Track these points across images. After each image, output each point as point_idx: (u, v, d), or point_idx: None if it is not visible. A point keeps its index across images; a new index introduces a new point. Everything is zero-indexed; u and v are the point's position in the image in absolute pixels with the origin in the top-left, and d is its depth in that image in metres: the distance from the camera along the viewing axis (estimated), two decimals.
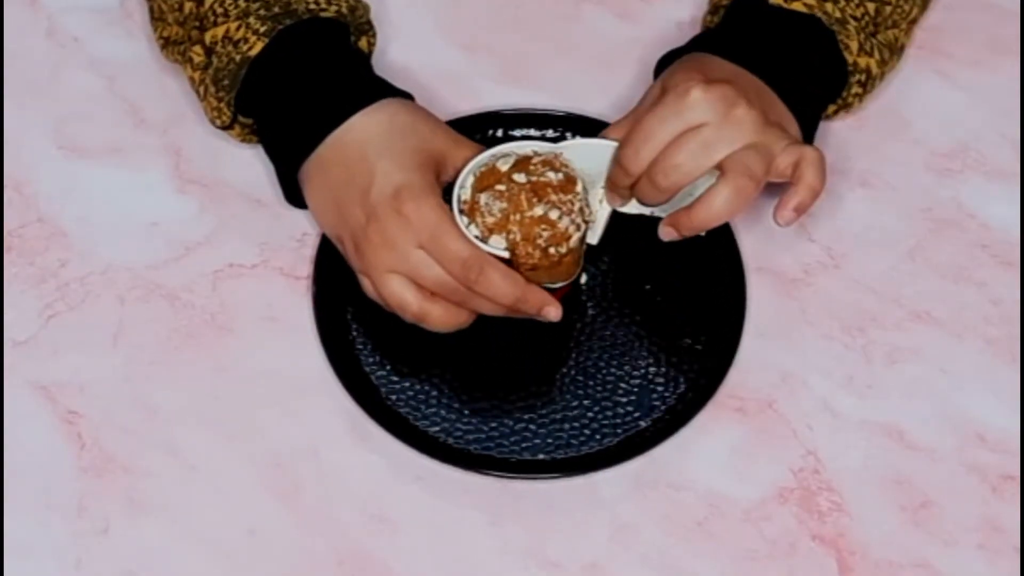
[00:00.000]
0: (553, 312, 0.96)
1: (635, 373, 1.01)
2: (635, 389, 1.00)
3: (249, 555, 0.95)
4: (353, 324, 1.02)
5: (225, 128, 1.04)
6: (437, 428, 0.99)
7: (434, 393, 1.00)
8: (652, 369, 1.01)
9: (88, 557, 0.95)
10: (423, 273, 0.94)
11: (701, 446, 0.99)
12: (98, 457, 0.98)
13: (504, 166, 0.95)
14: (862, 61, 1.02)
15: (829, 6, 1.01)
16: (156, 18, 1.07)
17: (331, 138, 0.97)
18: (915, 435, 1.00)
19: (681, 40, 1.06)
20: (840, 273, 1.05)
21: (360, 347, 1.02)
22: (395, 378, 1.01)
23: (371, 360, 1.01)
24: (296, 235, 1.06)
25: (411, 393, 1.00)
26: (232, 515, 0.97)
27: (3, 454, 0.98)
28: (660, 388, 1.00)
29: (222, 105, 1.02)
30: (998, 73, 1.13)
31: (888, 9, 1.04)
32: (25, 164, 1.08)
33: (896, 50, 1.06)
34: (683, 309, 1.03)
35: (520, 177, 0.94)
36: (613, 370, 1.01)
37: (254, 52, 0.99)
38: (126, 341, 1.02)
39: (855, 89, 1.04)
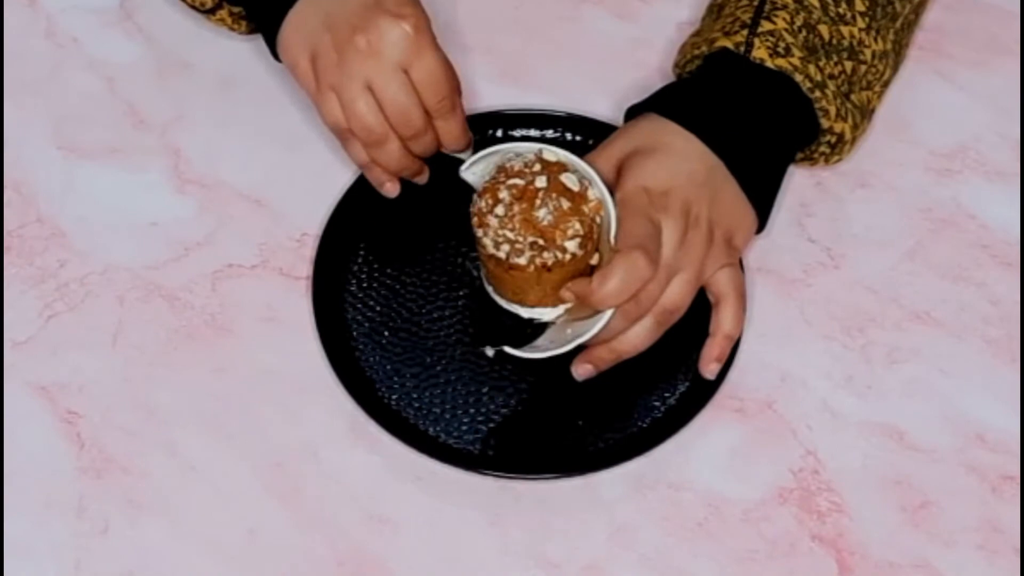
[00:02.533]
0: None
1: (635, 373, 1.01)
2: (635, 389, 1.00)
3: (249, 555, 0.95)
4: (353, 324, 1.02)
5: (215, 10, 1.05)
6: (437, 428, 0.99)
7: (434, 393, 1.00)
8: (652, 369, 1.01)
9: (88, 557, 0.95)
10: (392, 93, 0.96)
11: (701, 446, 0.99)
12: (97, 457, 0.98)
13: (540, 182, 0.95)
14: (837, 127, 1.02)
15: (812, 68, 0.99)
16: None
17: None
18: (915, 435, 1.00)
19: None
20: (840, 273, 1.05)
21: (360, 347, 1.02)
22: (395, 378, 1.01)
23: (371, 360, 1.01)
24: (296, 235, 1.06)
25: (411, 393, 1.00)
26: (232, 515, 0.97)
27: (3, 454, 0.98)
28: (660, 388, 1.00)
29: None
30: (998, 73, 1.13)
31: (863, 68, 1.03)
32: (25, 164, 1.08)
33: (867, 113, 1.04)
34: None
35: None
36: (613, 370, 1.01)
37: None
38: (125, 341, 1.02)
39: (823, 148, 1.03)
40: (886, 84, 1.06)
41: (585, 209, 0.95)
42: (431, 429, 0.99)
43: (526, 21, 1.15)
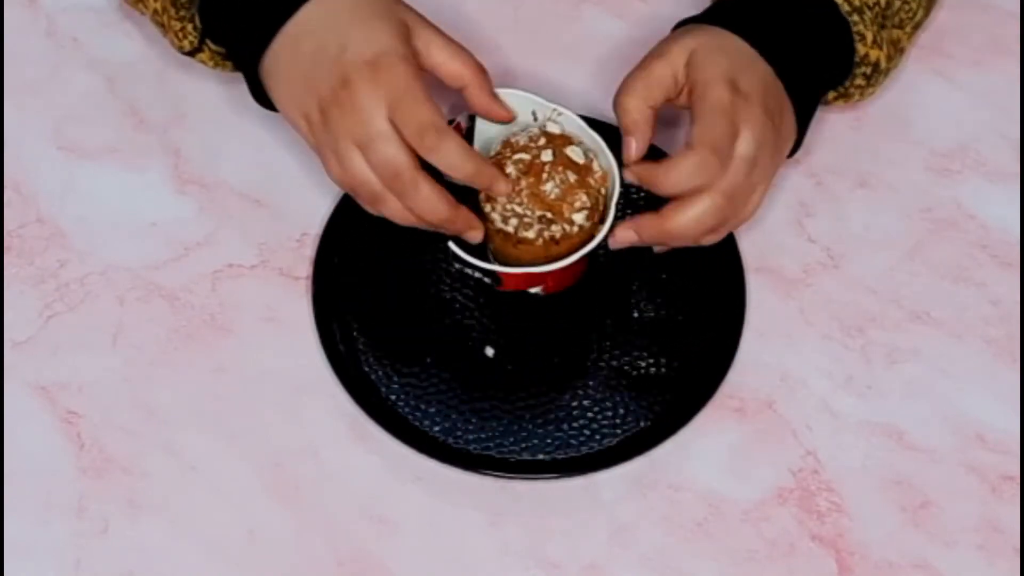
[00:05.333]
0: (503, 185, 0.94)
1: (634, 374, 1.01)
2: (635, 389, 1.00)
3: (249, 555, 0.95)
4: (353, 324, 1.02)
5: (194, 53, 1.03)
6: (437, 428, 0.99)
7: (434, 393, 1.00)
8: (652, 369, 1.01)
9: (88, 557, 0.95)
10: (379, 148, 0.92)
11: (701, 446, 0.99)
12: (97, 457, 0.98)
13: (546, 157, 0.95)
14: (873, 54, 1.01)
15: None
16: None
17: (299, 15, 0.96)
18: (915, 435, 1.00)
19: None
20: (840, 273, 1.05)
21: (360, 347, 1.02)
22: (395, 378, 1.01)
23: (371, 360, 1.01)
24: (295, 235, 1.06)
25: (411, 393, 1.00)
26: (232, 515, 0.97)
27: (3, 454, 0.98)
28: (660, 388, 1.00)
29: (186, 25, 1.01)
30: (998, 73, 1.13)
31: (897, 4, 1.03)
32: (25, 164, 1.08)
33: (899, 50, 1.05)
34: (683, 309, 1.03)
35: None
36: (613, 370, 1.01)
37: None
38: (125, 341, 1.02)
39: (859, 80, 1.02)
40: (917, 25, 1.06)
41: (591, 181, 0.95)
42: (431, 429, 0.99)
43: (526, 21, 1.15)
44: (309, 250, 1.05)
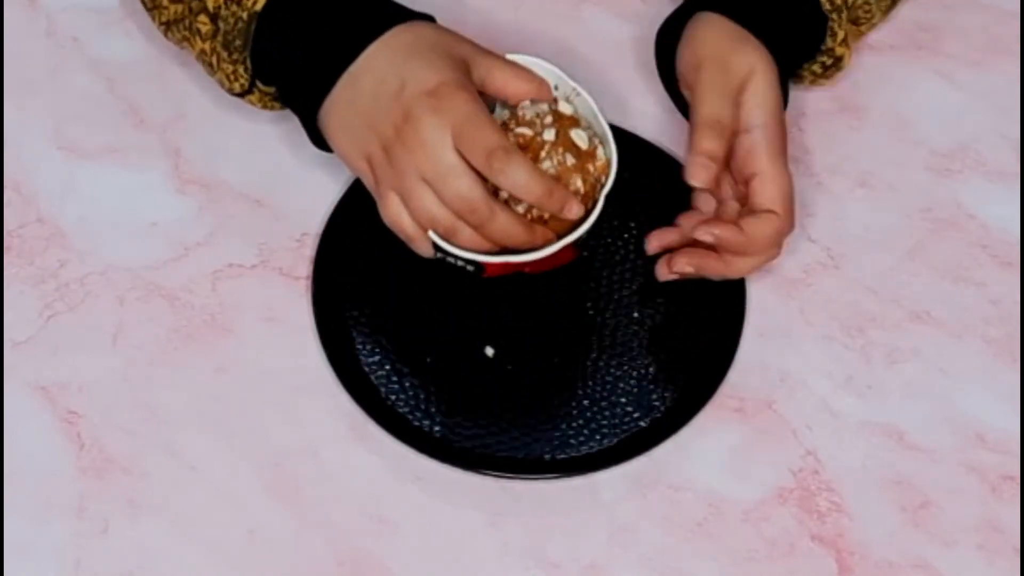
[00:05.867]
0: (576, 208, 0.93)
1: (635, 373, 1.01)
2: (635, 389, 1.00)
3: (249, 555, 0.95)
4: (353, 324, 1.02)
5: (244, 94, 1.02)
6: (437, 428, 0.99)
7: (434, 393, 1.00)
8: (652, 369, 1.01)
9: (88, 557, 0.95)
10: (450, 182, 0.91)
11: (701, 446, 0.99)
12: (98, 458, 0.98)
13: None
14: (839, 50, 1.04)
15: None
16: (150, 7, 1.05)
17: (361, 59, 0.95)
18: (915, 435, 1.00)
19: None
20: (840, 273, 1.05)
21: (360, 347, 1.02)
22: (395, 378, 1.01)
23: (371, 360, 1.01)
24: (296, 235, 1.06)
25: (411, 393, 1.00)
26: (232, 515, 0.97)
27: (3, 454, 0.98)
28: (660, 388, 1.00)
29: (238, 67, 1.00)
30: (998, 73, 1.13)
31: (860, 1, 1.05)
32: (25, 164, 1.08)
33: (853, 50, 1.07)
34: (683, 309, 1.03)
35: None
36: (613, 370, 1.01)
37: (259, 6, 0.97)
38: (126, 341, 1.02)
39: (815, 67, 1.05)
40: (872, 27, 1.09)
41: (591, 167, 0.94)
42: (431, 429, 0.99)
43: (526, 21, 1.15)
44: (309, 250, 1.05)
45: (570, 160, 0.94)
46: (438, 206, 0.93)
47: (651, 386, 1.01)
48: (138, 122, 1.10)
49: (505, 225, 0.93)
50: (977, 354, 1.03)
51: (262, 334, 1.03)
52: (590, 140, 0.95)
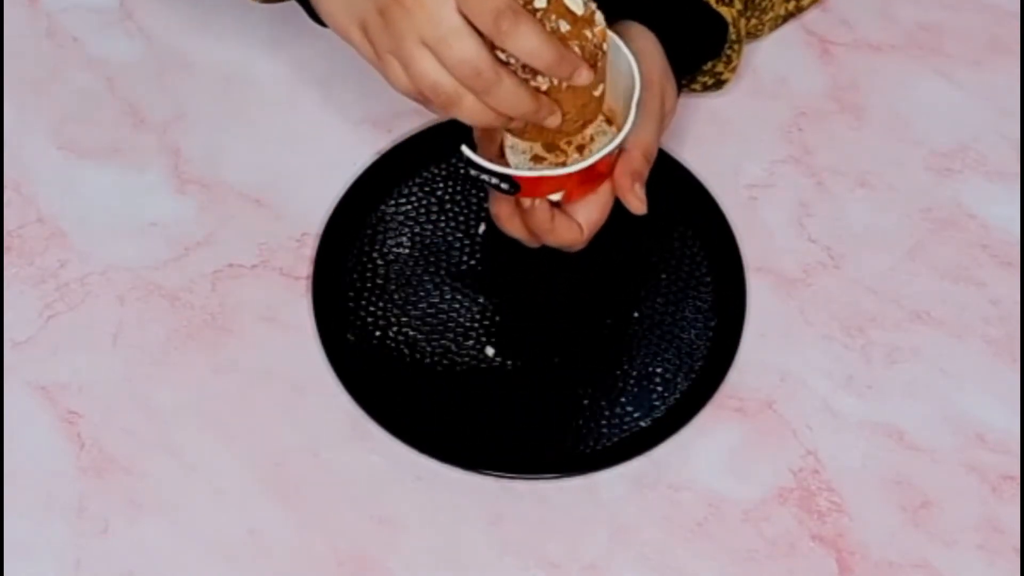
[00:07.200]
0: (586, 73, 0.87)
1: (635, 373, 1.01)
2: (635, 389, 1.00)
3: (249, 555, 0.95)
4: (353, 324, 1.02)
5: None
6: (437, 428, 0.99)
7: (434, 393, 1.00)
8: (652, 369, 1.01)
9: (88, 557, 0.95)
10: (453, 45, 0.84)
11: (701, 446, 0.99)
12: (98, 457, 0.98)
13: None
14: (726, 75, 1.06)
15: (742, 22, 1.04)
16: None
17: None
18: (915, 435, 1.00)
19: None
20: (840, 273, 1.05)
21: (360, 347, 1.02)
22: (395, 378, 1.01)
23: (371, 360, 1.01)
24: (296, 235, 1.06)
25: (411, 393, 1.00)
26: (232, 515, 0.97)
27: (3, 454, 0.98)
28: (660, 388, 1.00)
29: None
30: (998, 73, 1.13)
31: (753, 23, 1.08)
32: (25, 164, 1.08)
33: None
34: (683, 309, 1.03)
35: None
36: (613, 370, 1.01)
37: None
38: (126, 341, 1.02)
39: (695, 86, 1.07)
40: (756, 39, 1.12)
41: (588, 34, 0.87)
42: (431, 429, 0.99)
43: None
44: (309, 250, 1.05)
45: (564, 27, 0.86)
46: (440, 71, 0.86)
47: (651, 386, 1.01)
48: (138, 122, 1.10)
49: (511, 91, 0.86)
50: (977, 354, 1.03)
51: (262, 334, 1.03)
52: (585, 4, 0.87)
